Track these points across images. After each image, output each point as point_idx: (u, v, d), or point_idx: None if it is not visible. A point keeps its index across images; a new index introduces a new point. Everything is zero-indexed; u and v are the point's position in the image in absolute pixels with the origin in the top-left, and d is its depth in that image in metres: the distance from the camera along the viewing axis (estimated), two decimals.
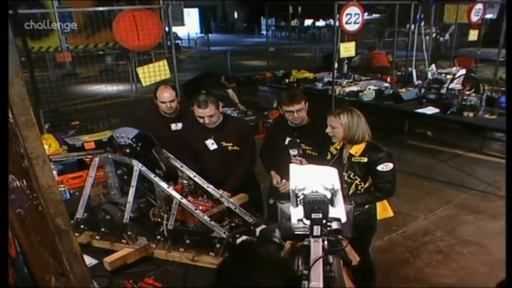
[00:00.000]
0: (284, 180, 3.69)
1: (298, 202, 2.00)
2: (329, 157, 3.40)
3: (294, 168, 2.15)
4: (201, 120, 3.64)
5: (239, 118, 5.71)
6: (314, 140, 3.60)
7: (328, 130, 3.27)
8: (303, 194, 1.98)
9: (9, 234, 1.63)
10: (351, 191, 3.27)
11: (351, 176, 3.24)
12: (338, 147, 3.35)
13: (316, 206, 1.91)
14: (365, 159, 3.18)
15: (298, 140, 3.62)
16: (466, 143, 7.92)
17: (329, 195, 1.97)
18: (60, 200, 1.26)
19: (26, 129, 1.11)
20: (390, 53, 10.57)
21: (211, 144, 3.75)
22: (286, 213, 2.25)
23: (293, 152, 3.38)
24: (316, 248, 1.88)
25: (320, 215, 1.90)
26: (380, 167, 3.14)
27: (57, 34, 13.22)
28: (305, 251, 1.95)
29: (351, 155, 3.24)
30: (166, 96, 3.94)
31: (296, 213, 2.03)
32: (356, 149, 3.22)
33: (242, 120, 5.20)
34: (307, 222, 1.99)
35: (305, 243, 1.97)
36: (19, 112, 1.09)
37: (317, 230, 1.91)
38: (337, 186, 2.03)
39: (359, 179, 3.24)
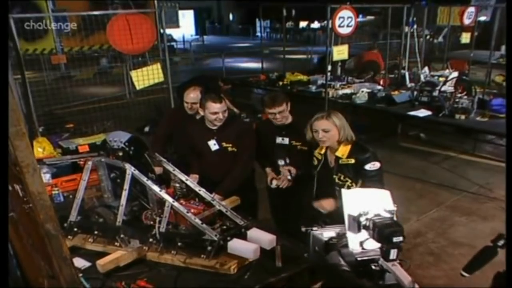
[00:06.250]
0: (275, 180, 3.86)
1: (361, 227, 1.98)
2: (315, 163, 3.44)
3: (347, 194, 2.13)
4: (213, 117, 3.73)
5: (242, 121, 5.75)
6: (301, 136, 3.66)
7: (319, 136, 3.23)
8: (367, 218, 1.96)
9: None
10: None
11: (342, 178, 3.25)
12: (322, 152, 3.37)
13: (393, 229, 1.89)
14: (352, 161, 3.20)
15: (285, 139, 3.87)
16: (458, 145, 7.98)
17: (389, 217, 1.97)
18: (50, 206, 1.29)
19: (17, 139, 1.14)
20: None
21: (213, 144, 3.84)
22: (320, 239, 2.23)
23: (280, 162, 3.44)
24: (401, 272, 1.88)
25: (401, 238, 1.88)
26: (368, 167, 3.15)
27: (52, 36, 13.22)
28: (377, 275, 1.95)
29: (338, 158, 3.25)
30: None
31: (357, 239, 2.01)
32: (342, 151, 3.23)
33: (244, 123, 5.24)
34: (369, 246, 1.98)
35: (374, 267, 1.96)
36: (9, 122, 1.12)
37: (393, 253, 1.91)
38: (394, 207, 2.03)
39: (350, 181, 3.25)
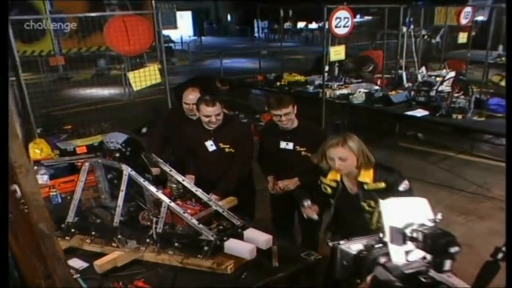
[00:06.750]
0: (280, 181, 3.90)
1: (407, 239, 1.90)
2: (329, 191, 3.14)
3: (385, 204, 2.05)
4: (206, 119, 3.74)
5: (240, 122, 5.75)
6: (306, 142, 3.70)
7: (336, 164, 2.91)
8: (414, 230, 1.88)
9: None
10: (374, 218, 2.97)
11: (372, 204, 2.95)
12: (338, 179, 3.06)
13: (448, 239, 1.81)
14: (383, 184, 2.91)
15: (289, 143, 3.81)
16: (456, 145, 7.98)
17: (436, 226, 1.90)
18: (43, 206, 1.30)
19: (10, 140, 1.14)
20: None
21: (210, 145, 3.84)
22: (348, 253, 2.13)
23: (306, 203, 3.17)
24: (460, 283, 1.81)
25: (457, 248, 1.80)
26: (402, 188, 2.90)
27: (50, 37, 13.22)
28: None
29: (361, 183, 2.96)
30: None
31: (401, 251, 1.94)
32: (365, 176, 2.94)
33: (242, 124, 5.24)
34: (412, 257, 1.92)
35: (424, 280, 1.87)
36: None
37: (448, 264, 1.82)
38: (439, 216, 1.96)
39: None
